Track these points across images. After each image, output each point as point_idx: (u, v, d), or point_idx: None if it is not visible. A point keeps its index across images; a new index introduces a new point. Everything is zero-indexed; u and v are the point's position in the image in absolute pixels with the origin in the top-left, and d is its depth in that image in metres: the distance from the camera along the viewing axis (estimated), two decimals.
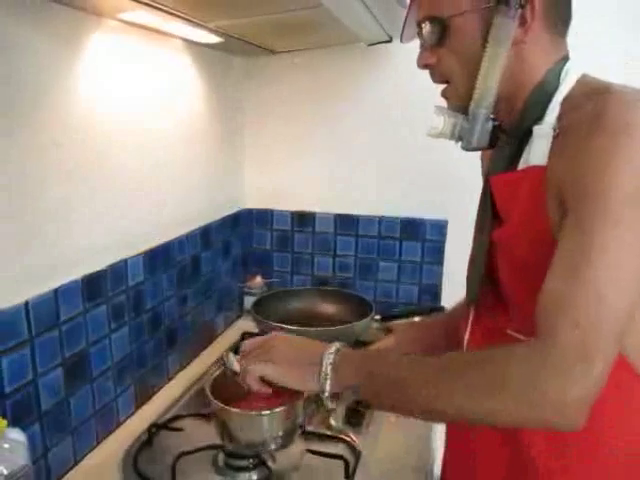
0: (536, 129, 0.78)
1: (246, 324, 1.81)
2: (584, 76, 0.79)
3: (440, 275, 1.80)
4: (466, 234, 1.74)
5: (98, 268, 1.12)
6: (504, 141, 0.85)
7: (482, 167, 1.05)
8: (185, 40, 1.39)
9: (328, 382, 0.80)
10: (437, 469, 1.31)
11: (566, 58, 0.81)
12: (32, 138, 0.94)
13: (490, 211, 0.85)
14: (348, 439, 1.17)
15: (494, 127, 0.83)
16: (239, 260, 1.87)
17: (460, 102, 0.84)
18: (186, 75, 1.46)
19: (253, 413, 0.94)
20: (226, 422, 0.96)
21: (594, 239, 0.64)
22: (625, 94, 0.70)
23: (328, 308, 1.73)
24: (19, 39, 0.90)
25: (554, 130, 0.75)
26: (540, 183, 0.74)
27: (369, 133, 1.77)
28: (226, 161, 1.77)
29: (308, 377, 0.83)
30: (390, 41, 1.59)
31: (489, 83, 0.79)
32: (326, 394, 0.81)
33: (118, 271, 1.19)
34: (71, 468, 1.08)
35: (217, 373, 1.02)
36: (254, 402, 0.96)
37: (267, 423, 0.95)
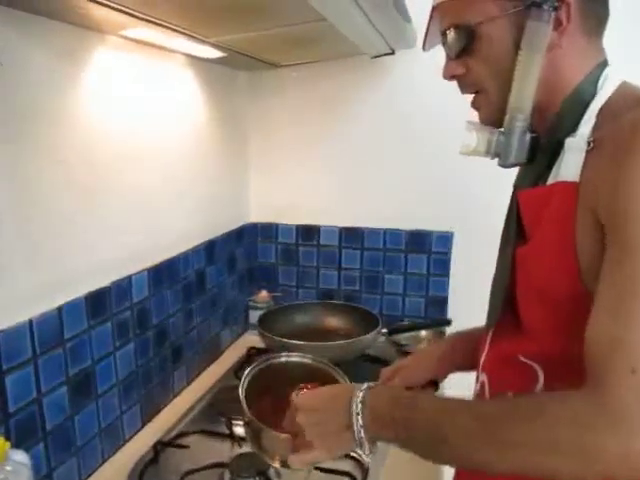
0: (568, 142, 0.71)
1: (252, 338, 1.80)
2: (624, 84, 0.73)
3: (447, 287, 1.79)
4: (472, 246, 1.75)
5: (102, 285, 1.12)
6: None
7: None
8: (188, 56, 1.39)
9: (365, 445, 0.73)
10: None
11: (604, 63, 0.76)
12: (36, 155, 0.94)
13: (515, 227, 0.79)
14: (355, 455, 1.15)
15: (532, 139, 0.76)
16: (244, 274, 1.87)
17: (493, 113, 0.79)
18: (189, 90, 1.46)
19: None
20: (262, 438, 0.92)
21: None
22: None
23: (334, 322, 1.72)
24: (22, 56, 0.90)
25: (588, 143, 0.69)
26: (570, 201, 0.68)
27: (373, 146, 1.77)
28: (230, 176, 1.77)
29: (345, 445, 0.77)
30: (393, 53, 1.59)
31: (525, 92, 0.73)
32: (366, 452, 0.75)
33: (122, 287, 1.18)
34: None
35: (247, 380, 0.98)
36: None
37: None
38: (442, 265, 1.78)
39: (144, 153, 1.26)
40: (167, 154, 1.36)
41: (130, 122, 1.20)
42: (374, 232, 1.82)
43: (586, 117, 0.72)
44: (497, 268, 0.85)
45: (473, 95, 0.81)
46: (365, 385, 0.76)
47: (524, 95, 0.73)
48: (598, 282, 0.63)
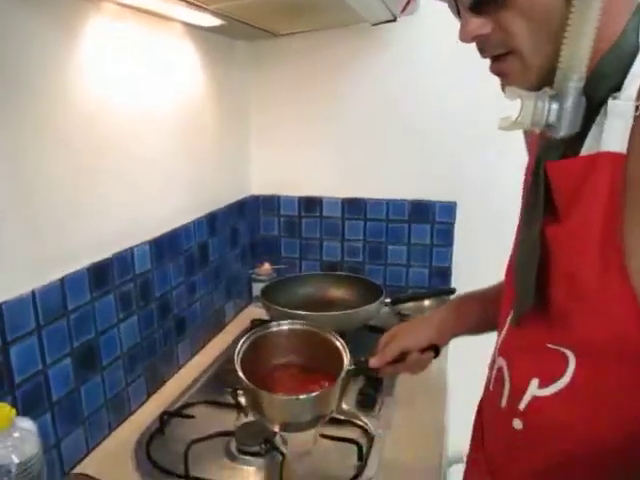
0: (612, 104, 0.60)
1: (255, 311, 1.80)
2: None
3: (450, 257, 1.79)
4: (474, 216, 1.75)
5: (104, 257, 1.11)
6: None
7: (527, 144, 0.87)
8: (186, 24, 1.37)
9: None
10: (450, 451, 1.30)
11: None
12: (35, 130, 0.93)
13: (542, 203, 0.69)
14: (360, 423, 1.16)
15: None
16: (247, 247, 1.86)
17: (529, 78, 0.67)
18: (188, 61, 1.44)
19: (291, 397, 0.92)
20: (261, 402, 0.93)
21: None
22: None
23: (338, 293, 1.72)
24: (17, 28, 0.88)
25: (637, 108, 0.59)
26: (615, 177, 0.60)
27: (375, 115, 1.75)
28: (231, 147, 1.75)
29: None
30: (395, 20, 1.56)
31: (581, 45, 0.60)
32: None
33: (124, 259, 1.18)
34: (84, 457, 1.08)
35: (243, 349, 0.98)
36: (286, 383, 0.96)
37: (301, 406, 0.92)
38: (445, 235, 1.77)
39: (143, 126, 1.24)
40: (167, 126, 1.34)
41: (128, 95, 1.18)
42: (377, 203, 1.81)
43: (630, 76, 0.61)
44: (522, 248, 0.76)
45: (495, 58, 0.68)
46: None
47: (580, 49, 0.61)
48: None
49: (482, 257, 1.73)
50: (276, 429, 0.96)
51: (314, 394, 0.90)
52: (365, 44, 1.71)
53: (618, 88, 0.61)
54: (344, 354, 0.96)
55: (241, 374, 0.91)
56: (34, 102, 0.93)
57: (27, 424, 0.71)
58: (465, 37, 0.67)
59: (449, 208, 1.75)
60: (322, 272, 1.86)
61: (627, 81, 0.60)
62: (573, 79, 0.62)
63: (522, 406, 0.73)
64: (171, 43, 1.35)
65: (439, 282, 1.81)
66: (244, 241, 1.83)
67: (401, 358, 0.96)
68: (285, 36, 1.70)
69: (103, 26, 1.08)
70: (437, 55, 1.61)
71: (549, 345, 0.69)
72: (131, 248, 1.20)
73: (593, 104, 0.63)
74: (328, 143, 1.81)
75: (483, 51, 0.68)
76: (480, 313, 0.97)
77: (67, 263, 1.02)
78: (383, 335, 1.02)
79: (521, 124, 0.65)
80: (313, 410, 0.92)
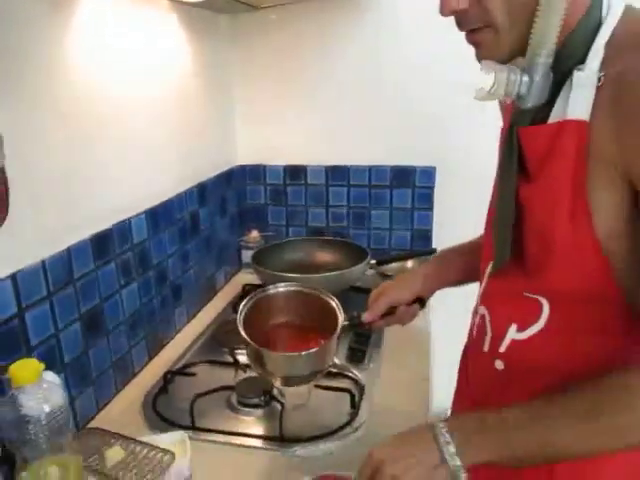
0: (576, 75, 0.66)
1: (245, 277, 1.88)
2: (629, 10, 0.68)
3: (431, 220, 1.87)
4: (453, 179, 1.82)
5: (104, 227, 1.17)
6: None
7: (501, 110, 0.93)
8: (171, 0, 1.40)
9: (461, 476, 0.69)
10: (434, 399, 1.40)
11: None
12: (38, 108, 0.97)
13: (516, 164, 0.75)
14: (351, 375, 1.25)
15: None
16: (235, 215, 1.92)
17: (501, 50, 0.72)
18: (173, 36, 1.47)
19: (291, 354, 0.98)
20: (264, 360, 0.99)
21: None
22: None
23: (325, 256, 1.80)
24: (16, 7, 0.92)
25: (599, 79, 0.64)
26: (580, 142, 0.65)
27: (357, 84, 1.80)
28: (217, 119, 1.80)
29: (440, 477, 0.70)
30: None
31: (551, 23, 0.65)
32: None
33: (123, 230, 1.24)
34: (95, 415, 1.15)
35: (244, 311, 1.04)
36: (285, 341, 1.04)
37: (301, 362, 0.98)
38: (426, 199, 1.85)
39: (134, 101, 1.28)
40: (156, 101, 1.39)
41: (118, 71, 1.21)
42: (359, 169, 1.87)
43: (594, 49, 0.66)
44: (499, 205, 0.81)
45: (471, 30, 0.73)
46: (441, 419, 0.72)
47: (550, 27, 0.65)
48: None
49: (461, 219, 1.81)
50: (277, 384, 1.03)
51: (313, 350, 0.97)
52: (346, 13, 1.75)
53: (582, 61, 0.67)
54: (338, 312, 1.03)
55: (244, 334, 0.98)
56: (35, 78, 0.97)
57: (52, 377, 0.78)
58: (445, 11, 0.71)
59: (429, 173, 1.82)
60: (309, 237, 1.94)
61: (590, 54, 0.66)
62: (542, 55, 0.67)
63: (502, 349, 0.82)
64: (157, 18, 1.39)
65: (421, 244, 1.89)
66: (232, 210, 1.89)
67: (390, 312, 1.03)
68: (266, 8, 1.73)
69: (93, 5, 1.11)
70: (419, 24, 1.65)
71: (525, 293, 0.77)
72: (129, 219, 1.26)
73: (560, 75, 0.69)
74: (311, 112, 1.86)
75: (460, 25, 0.73)
76: (461, 266, 1.04)
77: (71, 233, 1.07)
78: (371, 292, 1.08)
79: (495, 95, 0.71)
80: (312, 365, 0.99)
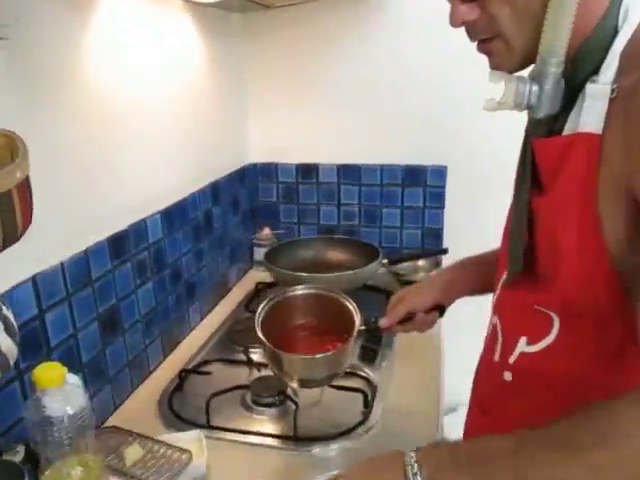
0: (589, 87, 0.65)
1: (257, 275, 1.89)
2: None
3: (442, 219, 1.88)
4: (464, 179, 1.83)
5: (121, 228, 1.19)
6: None
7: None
8: (185, 0, 1.41)
9: None
10: (447, 397, 1.41)
11: None
12: (57, 111, 0.99)
13: (530, 175, 0.75)
14: (364, 374, 1.26)
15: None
16: (247, 213, 1.94)
17: (513, 60, 0.71)
18: (187, 36, 1.49)
19: (308, 356, 0.99)
20: (281, 362, 1.00)
21: None
22: None
23: (336, 255, 1.81)
24: (33, 12, 0.93)
25: (612, 91, 0.63)
26: (591, 156, 0.64)
27: (368, 82, 1.80)
28: (230, 118, 1.81)
29: None
30: None
31: (559, 32, 0.64)
32: None
33: (139, 230, 1.25)
34: (112, 412, 1.17)
35: (263, 314, 1.05)
36: (302, 343, 1.05)
37: (318, 365, 0.99)
38: (437, 198, 1.86)
39: (149, 101, 1.30)
40: (170, 101, 1.40)
41: (134, 70, 1.23)
42: (371, 168, 1.88)
43: (608, 59, 0.65)
44: (513, 215, 0.81)
45: (482, 40, 0.72)
46: (414, 448, 0.69)
47: (559, 36, 0.65)
48: None
49: (472, 218, 1.83)
50: (294, 385, 1.04)
51: (330, 353, 0.98)
52: (360, 12, 1.75)
53: (597, 70, 0.65)
54: (355, 315, 1.03)
55: (262, 336, 0.99)
56: (52, 80, 0.98)
57: (74, 379, 0.80)
58: (454, 22, 0.71)
59: (440, 172, 1.82)
60: (321, 235, 1.94)
61: (604, 65, 0.65)
62: (552, 64, 0.67)
63: (512, 360, 0.82)
64: (171, 18, 1.40)
65: (431, 243, 1.90)
66: (245, 208, 1.91)
67: (408, 318, 1.03)
68: (278, 8, 1.74)
69: (110, 6, 1.12)
70: (436, 23, 1.65)
71: (536, 307, 0.76)
72: (144, 219, 1.27)
73: (575, 85, 0.68)
74: (323, 111, 1.87)
75: (471, 35, 0.73)
76: (482, 275, 1.02)
77: (89, 235, 1.09)
78: (392, 297, 1.09)
79: (504, 105, 0.71)
80: (329, 368, 1.00)
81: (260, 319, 1.03)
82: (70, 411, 0.74)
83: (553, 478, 0.60)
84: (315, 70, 1.83)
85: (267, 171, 1.97)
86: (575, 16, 0.64)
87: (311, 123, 1.89)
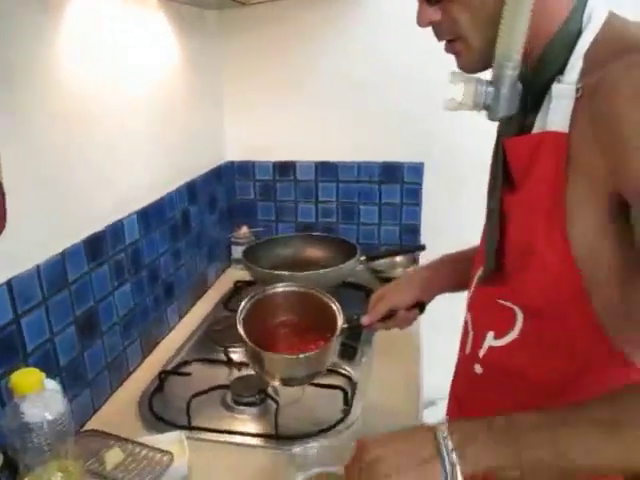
0: (555, 87, 0.67)
1: (236, 273, 1.89)
2: (611, 18, 0.67)
3: (419, 215, 1.89)
4: (440, 175, 1.84)
5: (97, 230, 1.17)
6: None
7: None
8: None
9: (458, 474, 0.61)
10: (426, 392, 1.43)
11: None
12: (25, 109, 0.97)
13: (502, 174, 0.77)
14: (344, 372, 1.27)
15: (523, 87, 0.72)
16: (225, 211, 1.93)
17: (475, 60, 0.74)
18: (162, 33, 1.47)
19: (290, 356, 1.00)
20: (263, 361, 1.00)
21: None
22: None
23: (315, 253, 1.81)
24: (10, 17, 0.92)
25: (577, 90, 0.65)
26: (559, 154, 0.66)
27: (345, 80, 1.81)
28: (206, 116, 1.80)
29: (431, 476, 0.62)
30: None
31: (514, 38, 0.67)
32: None
33: (116, 231, 1.24)
34: (92, 415, 1.16)
35: (244, 312, 1.05)
36: (284, 342, 1.05)
37: (300, 364, 0.99)
38: (414, 194, 1.87)
39: (123, 100, 1.28)
40: (146, 100, 1.39)
41: (108, 69, 1.21)
42: (348, 165, 1.89)
43: (572, 60, 0.67)
44: (487, 214, 0.83)
45: (448, 41, 0.76)
46: (441, 423, 0.65)
47: (513, 41, 0.67)
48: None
49: (450, 215, 1.85)
50: (276, 384, 1.05)
51: (313, 352, 0.99)
52: (334, 9, 1.75)
53: (562, 72, 0.68)
54: (337, 313, 1.04)
55: (244, 335, 0.99)
56: (32, 80, 0.97)
57: (52, 385, 0.79)
58: (421, 22, 0.75)
59: (417, 169, 1.84)
60: (299, 233, 1.95)
61: (569, 66, 0.67)
62: (508, 67, 0.69)
63: (481, 354, 0.85)
64: (145, 16, 1.38)
65: (409, 239, 1.91)
66: (222, 206, 1.90)
67: (390, 315, 1.05)
68: (253, 4, 1.73)
69: (82, 5, 1.10)
70: (409, 17, 1.66)
71: (502, 302, 0.79)
72: (121, 220, 1.26)
73: (542, 85, 0.70)
74: (300, 109, 1.87)
75: (437, 35, 0.76)
76: (458, 272, 1.04)
77: (66, 237, 1.08)
78: (372, 295, 1.10)
79: (464, 105, 0.73)
80: (311, 367, 1.00)
81: (242, 317, 1.03)
82: (49, 417, 0.74)
83: (593, 454, 0.59)
84: (291, 68, 1.83)
85: (244, 169, 1.97)
86: (533, 21, 0.66)
87: (288, 121, 1.89)
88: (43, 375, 0.74)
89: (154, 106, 1.43)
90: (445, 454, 0.61)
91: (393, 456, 0.64)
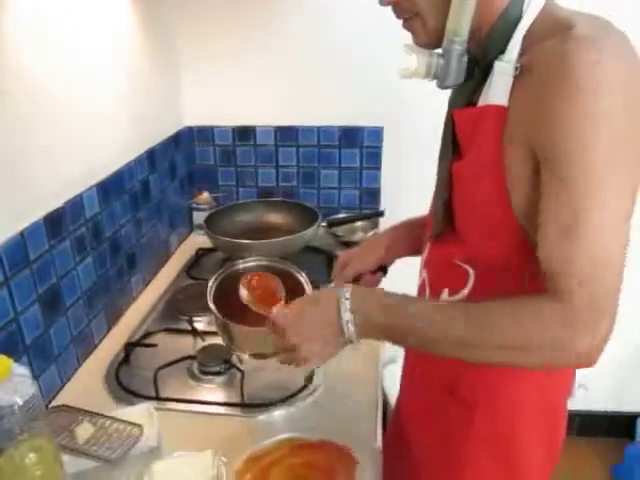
0: (497, 65, 0.75)
1: (198, 239, 1.90)
2: (548, 4, 0.75)
3: (379, 179, 1.92)
4: (401, 140, 1.86)
5: (57, 206, 1.17)
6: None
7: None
8: None
9: (354, 337, 0.79)
10: (387, 351, 1.48)
11: None
12: None
13: (450, 143, 0.85)
14: None
15: (470, 61, 0.80)
16: (185, 178, 1.92)
17: (429, 36, 0.81)
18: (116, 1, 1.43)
19: (262, 329, 0.98)
20: (234, 335, 1.03)
21: (582, 202, 0.66)
22: (587, 31, 0.67)
23: (276, 218, 1.83)
24: None
25: (516, 68, 0.73)
26: (498, 125, 0.74)
27: (305, 44, 1.79)
28: (162, 82, 1.76)
29: (336, 340, 0.81)
30: None
31: (463, 16, 0.75)
32: (355, 343, 0.81)
33: (75, 206, 1.23)
34: (60, 390, 1.18)
35: (215, 285, 1.07)
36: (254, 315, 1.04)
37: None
38: (374, 158, 1.89)
39: (77, 70, 1.25)
40: (99, 68, 1.35)
41: (59, 40, 1.18)
42: (308, 130, 1.89)
43: (513, 41, 0.75)
44: (437, 180, 0.91)
45: (405, 19, 0.83)
46: (347, 290, 0.80)
47: (462, 19, 0.75)
48: (540, 211, 0.70)
49: (409, 179, 1.88)
50: (246, 357, 1.08)
51: None
52: None
53: (503, 51, 0.75)
54: (306, 286, 1.07)
55: (214, 310, 1.01)
56: None
57: (22, 370, 0.80)
58: (382, 1, 0.82)
59: (377, 133, 1.86)
60: (260, 199, 1.96)
61: (510, 45, 0.75)
62: (456, 42, 0.77)
63: None
64: None
65: (369, 202, 1.95)
66: (182, 172, 1.89)
67: (356, 280, 1.09)
68: None
69: None
70: None
71: (456, 261, 0.86)
72: (80, 194, 1.25)
73: (487, 62, 0.77)
74: (259, 73, 1.85)
75: (396, 14, 0.83)
76: (417, 236, 1.08)
77: (24, 216, 1.07)
78: (336, 261, 1.14)
79: (417, 74, 0.81)
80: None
81: (212, 292, 1.05)
82: (20, 401, 0.75)
83: (459, 348, 0.74)
84: (250, 33, 1.80)
85: (204, 134, 1.95)
86: (480, 4, 0.75)
87: (247, 85, 1.87)
88: (11, 361, 0.75)
89: (109, 74, 1.40)
90: (344, 313, 0.78)
91: (303, 327, 0.82)
